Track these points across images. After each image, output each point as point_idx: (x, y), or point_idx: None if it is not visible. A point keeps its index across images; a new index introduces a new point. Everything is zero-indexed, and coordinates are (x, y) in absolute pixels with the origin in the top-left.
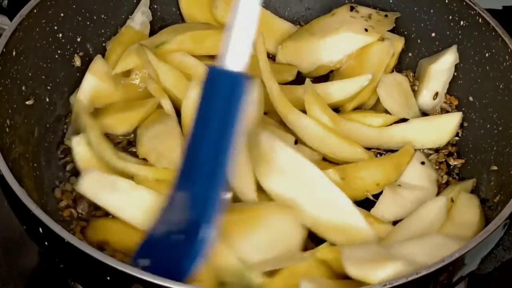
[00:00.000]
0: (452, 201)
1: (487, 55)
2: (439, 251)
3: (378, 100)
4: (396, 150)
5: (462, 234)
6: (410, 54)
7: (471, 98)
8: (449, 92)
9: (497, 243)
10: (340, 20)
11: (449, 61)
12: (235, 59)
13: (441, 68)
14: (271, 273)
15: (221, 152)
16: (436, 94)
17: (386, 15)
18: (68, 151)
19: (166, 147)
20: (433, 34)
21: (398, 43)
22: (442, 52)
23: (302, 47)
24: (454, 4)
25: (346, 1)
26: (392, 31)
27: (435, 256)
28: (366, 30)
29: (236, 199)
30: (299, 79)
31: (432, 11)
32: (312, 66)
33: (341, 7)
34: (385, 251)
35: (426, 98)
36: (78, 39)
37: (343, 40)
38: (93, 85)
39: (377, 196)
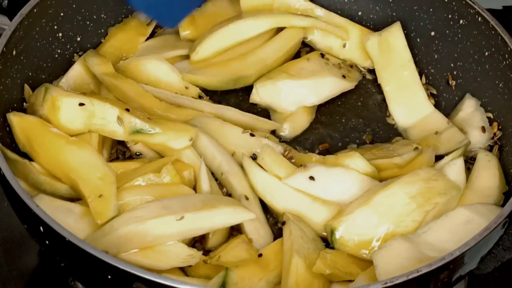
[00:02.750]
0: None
1: (486, 54)
2: (467, 232)
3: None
4: None
5: (483, 201)
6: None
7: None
8: (448, 91)
9: (497, 242)
10: (317, 65)
11: (471, 105)
12: None
13: (468, 112)
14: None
15: None
16: (483, 128)
17: (351, 66)
18: None
19: None
20: (433, 33)
21: None
22: (461, 103)
23: (283, 88)
24: (454, 3)
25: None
26: None
27: (464, 239)
28: (344, 76)
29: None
30: None
31: (431, 9)
32: (294, 106)
33: (312, 53)
34: (415, 249)
35: (477, 136)
36: (78, 39)
37: (327, 83)
38: (78, 74)
39: None
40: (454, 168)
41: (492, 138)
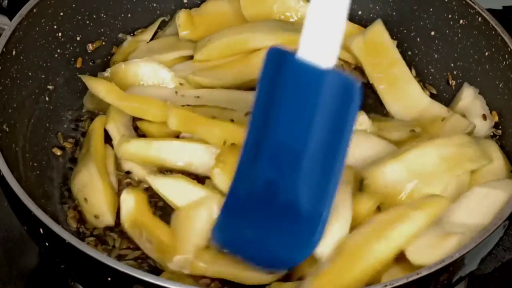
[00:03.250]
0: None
1: (486, 54)
2: (487, 205)
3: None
4: None
5: (494, 178)
6: (409, 53)
7: None
8: (448, 90)
9: (497, 243)
10: None
11: (470, 94)
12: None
13: (468, 101)
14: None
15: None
16: (484, 116)
17: (354, 68)
18: (66, 151)
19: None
20: (433, 33)
21: None
22: (459, 92)
23: None
24: (454, 3)
25: None
26: (391, 30)
27: (486, 212)
28: None
29: None
30: None
31: (431, 9)
32: None
33: None
34: (440, 229)
35: (478, 125)
36: (78, 38)
37: None
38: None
39: None
40: None
41: (493, 127)
